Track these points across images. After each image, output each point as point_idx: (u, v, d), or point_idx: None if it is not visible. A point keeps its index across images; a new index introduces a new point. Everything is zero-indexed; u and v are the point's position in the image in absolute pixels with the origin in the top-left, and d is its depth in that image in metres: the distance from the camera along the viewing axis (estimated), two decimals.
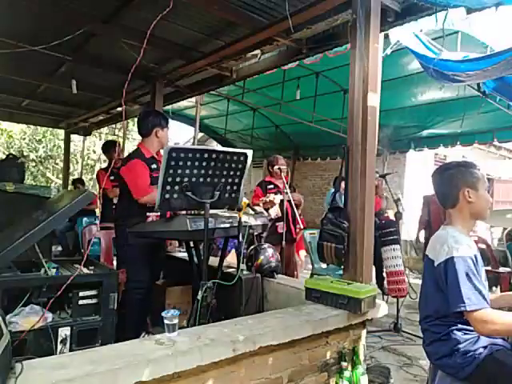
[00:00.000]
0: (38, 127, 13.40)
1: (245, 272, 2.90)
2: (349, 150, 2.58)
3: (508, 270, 4.82)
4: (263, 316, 2.15)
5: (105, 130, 12.78)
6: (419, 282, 1.86)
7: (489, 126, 6.59)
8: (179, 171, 2.17)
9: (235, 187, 2.47)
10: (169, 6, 2.50)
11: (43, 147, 14.60)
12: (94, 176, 14.63)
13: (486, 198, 1.80)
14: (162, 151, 2.94)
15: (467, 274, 1.60)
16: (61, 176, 11.40)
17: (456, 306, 1.59)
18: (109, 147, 5.19)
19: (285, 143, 9.65)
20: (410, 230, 6.35)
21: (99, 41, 3.96)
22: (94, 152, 14.78)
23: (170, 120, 3.15)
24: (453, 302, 1.61)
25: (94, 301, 2.32)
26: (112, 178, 4.50)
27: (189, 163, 2.18)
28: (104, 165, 14.16)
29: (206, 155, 2.22)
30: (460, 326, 1.67)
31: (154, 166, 2.91)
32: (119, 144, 5.52)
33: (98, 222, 4.91)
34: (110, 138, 13.10)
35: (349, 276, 2.52)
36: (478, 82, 4.36)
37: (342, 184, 2.70)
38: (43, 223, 2.11)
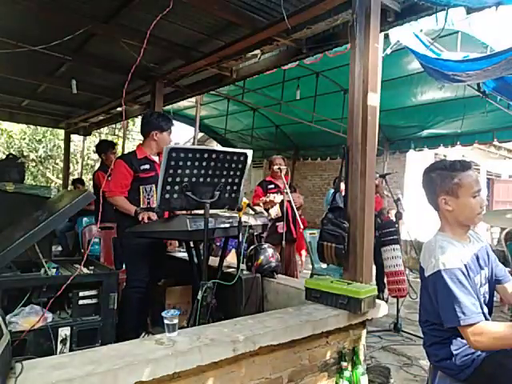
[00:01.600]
0: (38, 127, 13.40)
1: (245, 272, 2.90)
2: (349, 150, 2.58)
3: (508, 269, 4.82)
4: (263, 316, 2.15)
5: (105, 130, 12.78)
6: (419, 281, 1.85)
7: (489, 126, 6.60)
8: (179, 171, 2.17)
9: (235, 187, 2.47)
10: (169, 6, 2.51)
11: (43, 147, 14.59)
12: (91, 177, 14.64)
13: (469, 206, 1.63)
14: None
15: (457, 288, 1.52)
16: (61, 176, 11.40)
17: (449, 322, 1.54)
18: (105, 148, 5.01)
19: (285, 143, 9.65)
20: (410, 229, 6.34)
21: (99, 41, 3.96)
22: (94, 152, 14.75)
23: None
24: (446, 317, 1.55)
25: (93, 301, 2.33)
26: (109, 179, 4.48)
27: (189, 163, 2.18)
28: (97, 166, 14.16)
29: (205, 155, 2.22)
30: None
31: (145, 166, 2.94)
32: (116, 145, 5.41)
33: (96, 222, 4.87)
34: (110, 138, 13.10)
35: (349, 276, 2.52)
36: (478, 81, 4.36)
37: (342, 184, 2.69)
38: (43, 223, 2.11)
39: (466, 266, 1.60)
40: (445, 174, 1.66)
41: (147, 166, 2.94)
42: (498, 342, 1.48)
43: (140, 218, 2.66)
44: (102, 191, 2.96)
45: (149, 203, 2.90)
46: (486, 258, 1.75)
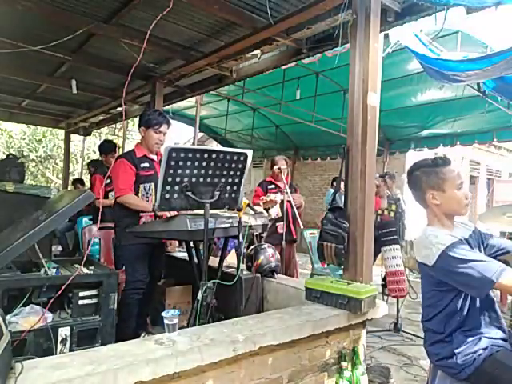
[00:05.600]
0: (38, 127, 13.40)
1: (245, 272, 2.90)
2: (349, 150, 2.58)
3: None
4: (263, 316, 2.15)
5: (105, 130, 12.77)
6: (419, 281, 1.85)
7: (489, 126, 6.60)
8: (179, 171, 2.16)
9: (235, 187, 2.47)
10: (169, 6, 2.51)
11: (43, 147, 14.60)
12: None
13: (455, 198, 1.70)
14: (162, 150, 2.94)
15: (468, 255, 1.55)
16: (61, 176, 11.41)
17: (482, 288, 1.53)
18: (107, 149, 4.89)
19: (285, 143, 9.65)
20: (409, 229, 6.35)
21: (99, 41, 3.96)
22: (94, 152, 14.78)
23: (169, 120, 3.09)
24: (475, 286, 1.54)
25: (93, 301, 2.33)
26: (108, 181, 4.44)
27: (189, 163, 2.18)
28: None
29: (205, 155, 2.22)
30: (461, 328, 1.66)
31: (145, 164, 2.92)
32: (118, 148, 5.36)
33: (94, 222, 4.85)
34: (110, 138, 13.08)
35: (349, 276, 2.52)
36: (478, 81, 4.36)
37: (342, 184, 2.69)
38: (43, 223, 2.11)
39: (462, 239, 1.64)
40: (429, 170, 1.75)
41: (147, 165, 2.93)
42: None
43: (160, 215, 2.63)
44: (115, 195, 2.89)
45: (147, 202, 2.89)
46: (479, 241, 1.78)
